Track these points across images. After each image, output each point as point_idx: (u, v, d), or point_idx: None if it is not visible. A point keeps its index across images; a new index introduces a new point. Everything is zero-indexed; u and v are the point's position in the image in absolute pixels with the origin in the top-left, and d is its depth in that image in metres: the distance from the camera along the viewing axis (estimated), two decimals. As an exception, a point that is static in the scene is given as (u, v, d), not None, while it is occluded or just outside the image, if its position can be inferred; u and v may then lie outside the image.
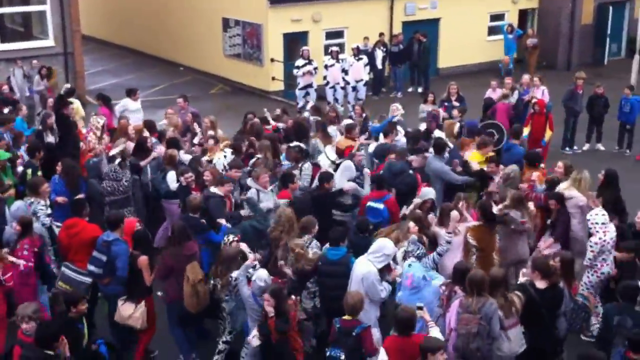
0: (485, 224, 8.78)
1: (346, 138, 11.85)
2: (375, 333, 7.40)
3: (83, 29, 21.30)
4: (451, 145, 11.63)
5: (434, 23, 22.63)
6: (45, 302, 8.94)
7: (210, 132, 12.03)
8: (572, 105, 15.61)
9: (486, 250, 8.65)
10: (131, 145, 11.36)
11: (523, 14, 24.05)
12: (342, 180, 10.28)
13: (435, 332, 6.91)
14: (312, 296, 8.39)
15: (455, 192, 9.92)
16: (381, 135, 12.28)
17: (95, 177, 10.84)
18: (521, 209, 9.01)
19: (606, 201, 9.21)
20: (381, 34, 20.70)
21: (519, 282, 7.67)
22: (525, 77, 15.84)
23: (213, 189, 9.65)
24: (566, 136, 15.92)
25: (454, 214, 8.59)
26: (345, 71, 18.73)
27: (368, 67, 19.30)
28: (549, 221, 9.50)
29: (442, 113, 13.85)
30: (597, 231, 8.70)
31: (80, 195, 9.84)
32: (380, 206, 9.49)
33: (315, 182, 10.21)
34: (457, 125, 12.97)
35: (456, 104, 14.43)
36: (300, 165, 10.84)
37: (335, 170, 10.65)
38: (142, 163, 11.05)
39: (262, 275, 7.61)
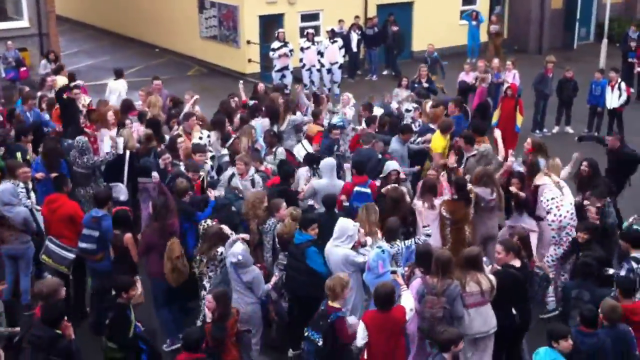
0: (459, 198, 9.05)
1: (315, 124, 12.12)
2: (354, 320, 7.32)
3: (58, 9, 21.14)
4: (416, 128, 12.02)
5: (408, 6, 22.83)
6: (27, 286, 9.17)
7: (197, 108, 12.30)
8: (542, 89, 16.00)
9: (460, 222, 8.93)
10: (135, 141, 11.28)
11: (495, -1, 24.41)
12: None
13: (406, 296, 7.05)
14: (281, 268, 8.47)
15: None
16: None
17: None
18: (490, 186, 9.21)
19: (600, 191, 9.37)
20: (356, 17, 20.89)
21: (496, 269, 7.73)
22: (496, 61, 16.21)
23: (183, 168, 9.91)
24: (536, 119, 16.33)
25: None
26: (320, 54, 18.88)
27: (343, 50, 19.46)
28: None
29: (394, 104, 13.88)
30: (550, 208, 8.99)
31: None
32: (368, 190, 9.55)
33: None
34: (430, 104, 13.32)
35: (425, 85, 14.83)
36: (274, 149, 11.09)
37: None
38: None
39: (235, 250, 7.73)
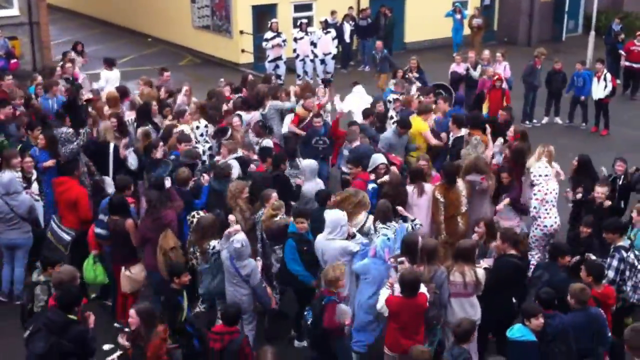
0: (448, 184, 9.29)
1: (304, 109, 12.23)
2: (345, 309, 7.34)
3: (50, -2, 21.18)
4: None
5: (401, -3, 23.03)
6: (20, 277, 9.27)
7: (194, 99, 12.42)
8: (531, 81, 16.24)
9: (454, 204, 9.13)
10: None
11: (486, -10, 24.58)
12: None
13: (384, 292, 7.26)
14: (277, 259, 8.59)
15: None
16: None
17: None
18: (481, 172, 9.51)
19: (585, 187, 9.63)
20: (350, 8, 21.06)
21: (497, 258, 7.88)
22: (486, 53, 16.46)
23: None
24: (526, 110, 16.59)
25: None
26: (313, 44, 18.99)
27: (336, 41, 19.62)
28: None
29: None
30: (539, 182, 9.37)
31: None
32: (375, 186, 9.60)
33: None
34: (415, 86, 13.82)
35: (415, 75, 15.09)
36: (261, 140, 11.23)
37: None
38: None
39: (239, 237, 7.74)
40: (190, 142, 10.63)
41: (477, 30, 21.59)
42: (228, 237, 7.75)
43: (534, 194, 9.41)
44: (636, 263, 7.97)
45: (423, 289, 7.09)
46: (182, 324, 7.27)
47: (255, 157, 10.65)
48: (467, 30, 21.92)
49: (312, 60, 19.11)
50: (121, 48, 23.02)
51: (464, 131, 11.03)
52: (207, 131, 11.49)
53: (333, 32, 19.37)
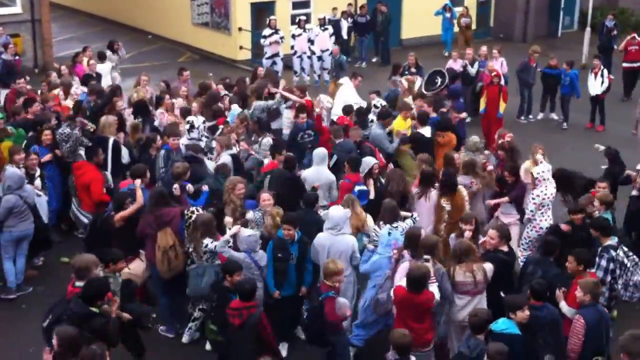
0: (449, 191, 9.12)
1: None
2: (344, 302, 7.44)
3: (52, -4, 21.33)
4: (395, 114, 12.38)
5: (397, -6, 23.18)
6: (22, 266, 9.45)
7: (183, 88, 12.88)
8: (525, 77, 16.36)
9: (460, 209, 9.00)
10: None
11: (482, -13, 24.73)
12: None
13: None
14: None
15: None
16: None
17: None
18: (470, 174, 9.66)
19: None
20: (349, 5, 21.21)
21: (484, 254, 7.89)
22: (484, 49, 16.63)
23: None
24: (522, 106, 16.78)
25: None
26: (311, 41, 19.12)
27: (334, 38, 19.75)
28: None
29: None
30: (543, 179, 9.34)
31: None
32: (365, 187, 9.56)
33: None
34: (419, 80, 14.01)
35: (413, 70, 15.32)
36: (260, 139, 11.37)
37: None
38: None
39: (245, 231, 7.87)
40: (179, 137, 10.74)
41: (466, 29, 21.70)
42: (226, 243, 7.83)
43: (532, 198, 9.36)
44: (625, 261, 7.96)
45: (434, 288, 7.08)
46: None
47: (254, 153, 10.85)
48: (457, 29, 22.03)
49: (309, 57, 19.22)
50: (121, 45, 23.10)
51: (427, 130, 11.24)
52: (204, 127, 11.65)
53: (331, 29, 19.45)
